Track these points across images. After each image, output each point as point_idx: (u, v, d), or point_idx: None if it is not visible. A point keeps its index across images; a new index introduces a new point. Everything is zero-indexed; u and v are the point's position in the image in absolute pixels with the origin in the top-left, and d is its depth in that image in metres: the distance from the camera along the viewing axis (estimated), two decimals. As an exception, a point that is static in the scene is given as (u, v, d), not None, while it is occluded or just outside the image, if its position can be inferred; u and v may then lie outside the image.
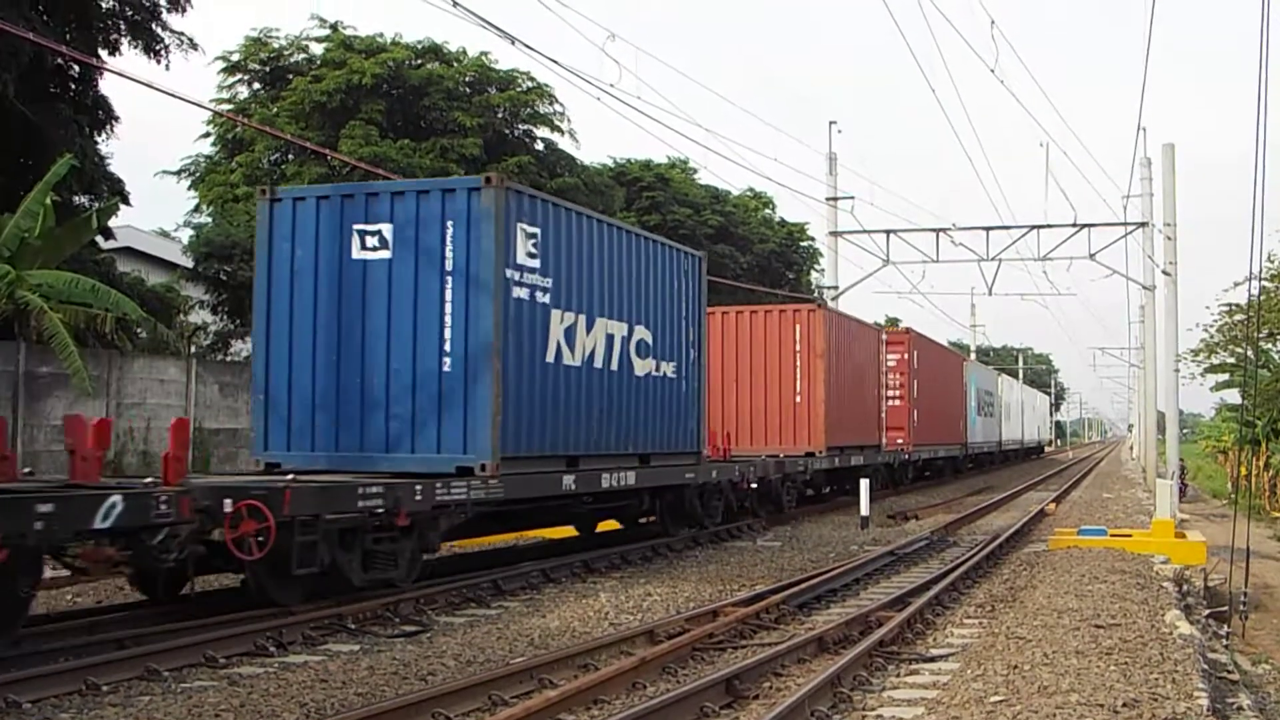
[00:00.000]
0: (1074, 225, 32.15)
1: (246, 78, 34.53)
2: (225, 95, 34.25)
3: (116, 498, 9.31)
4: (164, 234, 40.46)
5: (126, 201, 25.98)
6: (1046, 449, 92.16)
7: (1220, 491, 42.74)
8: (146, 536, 9.68)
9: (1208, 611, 14.23)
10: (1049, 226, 32.66)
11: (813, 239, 54.54)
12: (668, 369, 17.14)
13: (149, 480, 10.26)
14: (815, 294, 42.06)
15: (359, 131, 31.17)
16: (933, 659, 9.81)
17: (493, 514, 14.34)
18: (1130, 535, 18.32)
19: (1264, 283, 30.53)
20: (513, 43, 16.23)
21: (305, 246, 13.46)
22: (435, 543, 13.07)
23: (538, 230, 13.76)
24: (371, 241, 13.21)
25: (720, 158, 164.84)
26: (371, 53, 33.07)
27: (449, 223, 13.00)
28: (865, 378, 28.49)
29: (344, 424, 13.22)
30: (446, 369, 12.92)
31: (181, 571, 10.80)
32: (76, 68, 23.99)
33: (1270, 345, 35.30)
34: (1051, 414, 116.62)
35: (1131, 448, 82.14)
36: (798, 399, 24.34)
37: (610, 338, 15.54)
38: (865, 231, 34.45)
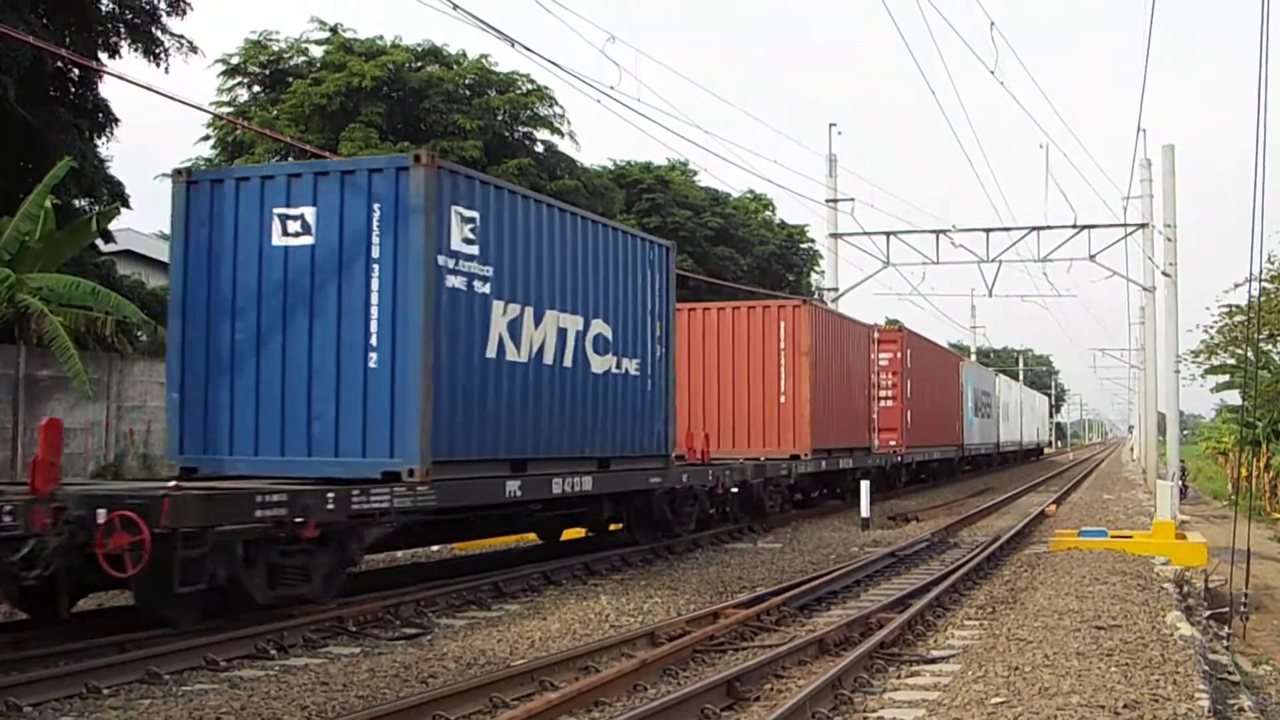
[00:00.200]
0: (1074, 227, 32.20)
1: (246, 80, 34.61)
2: (225, 98, 34.37)
3: None
4: (164, 237, 40.39)
5: (126, 204, 26.08)
6: (1046, 451, 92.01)
7: (1221, 493, 42.77)
8: (3, 551, 8.85)
9: (1208, 613, 14.25)
10: (1049, 228, 32.69)
11: (813, 241, 54.71)
12: (630, 366, 15.98)
13: (11, 486, 9.56)
14: (815, 295, 42.01)
15: (359, 134, 31.21)
16: (934, 660, 9.80)
17: (431, 522, 13.14)
18: (1131, 536, 18.30)
19: (1264, 284, 30.58)
20: (512, 45, 16.24)
21: (223, 233, 12.39)
22: (357, 555, 11.93)
23: (476, 214, 12.63)
24: (293, 227, 12.13)
25: (720, 160, 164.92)
26: (371, 55, 33.12)
27: (375, 205, 11.87)
28: (855, 377, 27.57)
29: (264, 426, 12.13)
30: (372, 365, 11.78)
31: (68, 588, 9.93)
32: (76, 71, 24.05)
33: (1270, 346, 35.30)
34: (1051, 415, 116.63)
35: (1132, 449, 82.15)
36: (782, 399, 23.29)
37: (563, 332, 14.34)
38: (865, 233, 34.53)
